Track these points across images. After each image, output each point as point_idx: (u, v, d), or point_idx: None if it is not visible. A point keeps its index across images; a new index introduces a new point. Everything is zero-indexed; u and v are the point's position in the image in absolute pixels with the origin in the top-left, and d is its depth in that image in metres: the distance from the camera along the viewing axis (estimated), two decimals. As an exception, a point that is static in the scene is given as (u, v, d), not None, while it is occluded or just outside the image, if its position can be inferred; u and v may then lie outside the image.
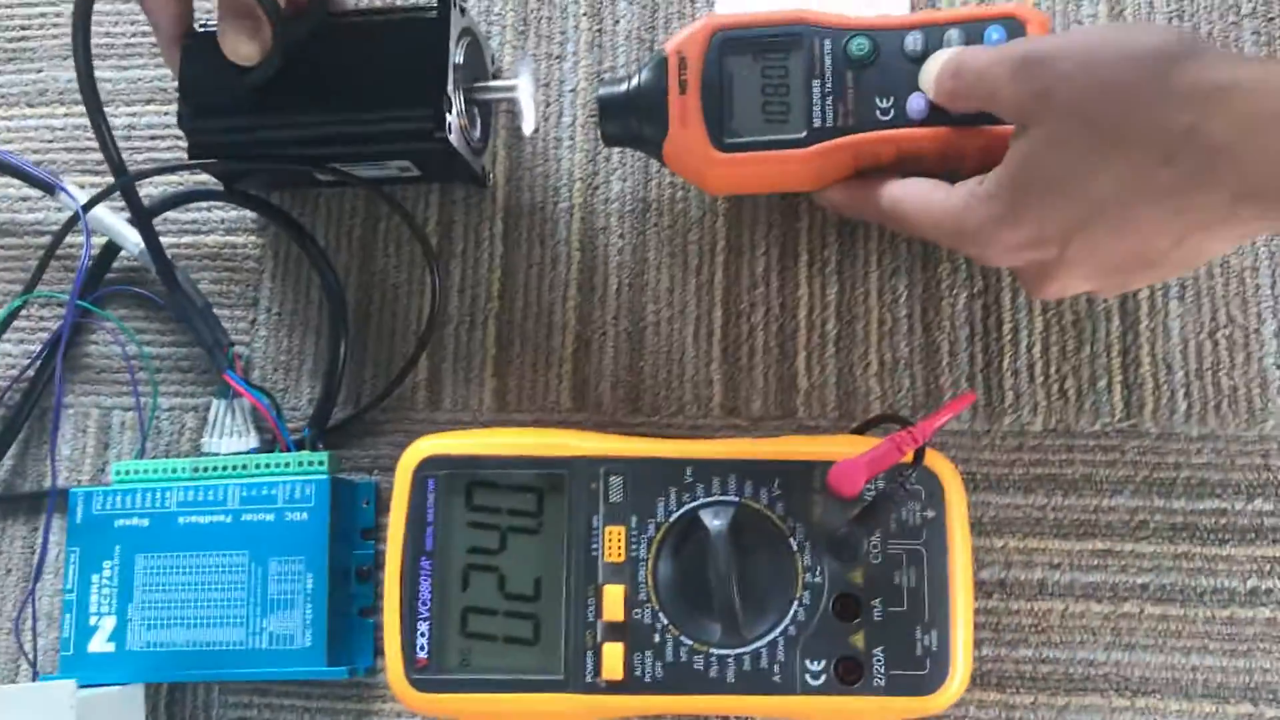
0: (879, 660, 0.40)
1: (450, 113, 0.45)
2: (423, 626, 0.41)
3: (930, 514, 0.40)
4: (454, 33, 0.45)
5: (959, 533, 0.40)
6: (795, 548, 0.40)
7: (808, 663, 0.40)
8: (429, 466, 0.42)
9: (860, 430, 0.44)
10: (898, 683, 0.40)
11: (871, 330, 0.46)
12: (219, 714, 0.47)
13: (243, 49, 0.43)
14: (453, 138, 0.45)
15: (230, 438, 0.48)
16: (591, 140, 0.49)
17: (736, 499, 0.41)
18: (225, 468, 0.46)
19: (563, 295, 0.48)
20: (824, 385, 0.46)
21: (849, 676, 0.40)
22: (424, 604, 0.41)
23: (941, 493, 0.40)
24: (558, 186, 0.49)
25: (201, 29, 0.46)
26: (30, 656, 0.48)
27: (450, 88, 0.45)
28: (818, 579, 0.40)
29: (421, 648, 0.41)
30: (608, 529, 0.41)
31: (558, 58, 0.50)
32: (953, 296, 0.46)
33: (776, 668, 0.40)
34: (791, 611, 0.40)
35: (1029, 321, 0.45)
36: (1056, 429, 0.44)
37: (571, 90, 0.50)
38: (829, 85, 0.42)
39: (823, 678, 0.40)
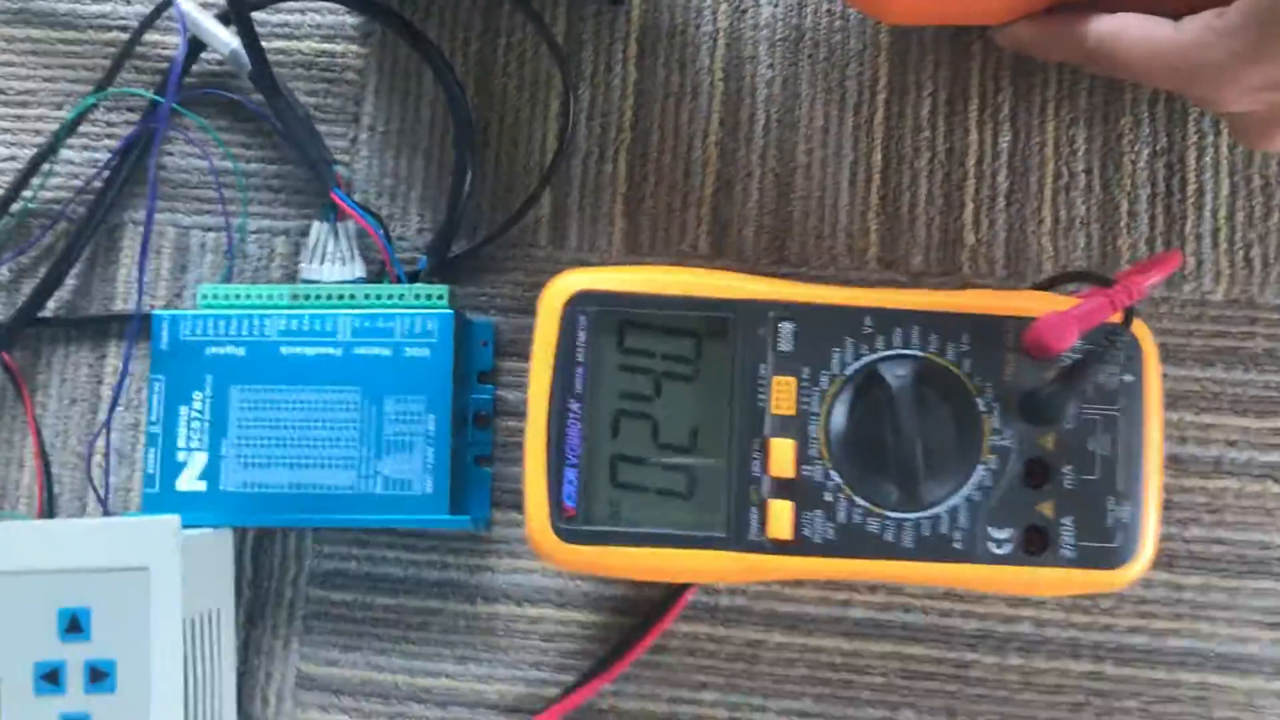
0: (1068, 530, 0.37)
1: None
2: (570, 474, 0.37)
3: (1128, 379, 0.37)
4: None
5: (1155, 400, 0.37)
6: (983, 408, 0.37)
7: (992, 530, 0.37)
8: (580, 302, 0.38)
9: (1045, 286, 0.40)
10: (1086, 555, 0.37)
11: (1046, 184, 0.43)
12: (313, 564, 0.43)
13: None
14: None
15: (333, 264, 0.43)
16: (739, -40, 0.45)
17: (920, 354, 0.37)
18: (329, 296, 0.42)
19: (703, 129, 0.44)
20: (992, 241, 0.43)
21: (1035, 546, 0.37)
22: (572, 450, 0.37)
23: (1140, 356, 0.37)
24: (700, 8, 0.44)
25: None
26: (100, 494, 0.43)
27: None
28: (1006, 442, 0.37)
29: (569, 496, 0.37)
30: (777, 379, 0.38)
31: None
32: (1134, 152, 0.43)
33: (958, 534, 0.37)
34: (976, 476, 0.37)
35: (1214, 184, 0.42)
36: (1239, 300, 0.42)
37: (720, -98, 0.45)
38: (1035, -97, 0.38)
39: (1007, 546, 0.37)
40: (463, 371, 0.42)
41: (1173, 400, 0.41)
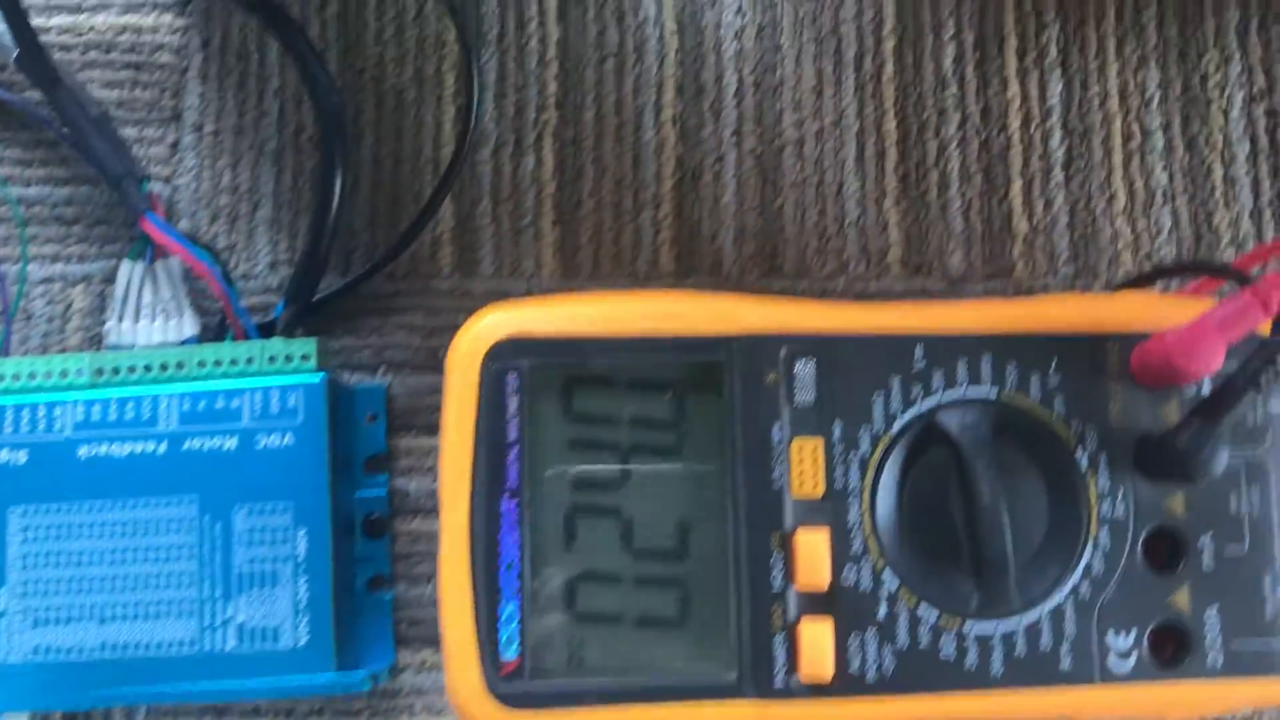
0: (1212, 627, 0.26)
1: None
2: (508, 608, 0.26)
3: (1276, 408, 0.27)
4: None
5: (1311, 433, 0.27)
6: (1085, 464, 0.26)
7: (1110, 636, 0.26)
8: (507, 354, 0.26)
9: (1139, 284, 0.30)
10: (1240, 660, 0.26)
11: (1114, 148, 0.32)
12: (148, 752, 0.30)
13: None
14: None
15: (151, 321, 0.31)
16: (683, -125, 0.33)
17: (993, 392, 0.27)
18: (146, 367, 0.30)
19: (654, 101, 0.32)
20: (1051, 228, 0.32)
21: (1169, 652, 0.26)
22: (509, 571, 0.26)
23: (1291, 374, 0.27)
24: (638, -60, 0.33)
25: None
26: None
27: None
28: (1119, 510, 0.26)
29: (509, 641, 0.26)
30: (797, 444, 0.26)
31: None
32: (1224, 99, 0.32)
33: (1065, 647, 0.26)
34: (1083, 561, 0.26)
35: (1332, 134, 0.32)
36: (1379, 284, 0.32)
37: None
38: None
39: (1133, 657, 0.26)
40: (344, 459, 0.30)
41: (1307, 424, 0.31)
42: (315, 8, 0.33)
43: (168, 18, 0.33)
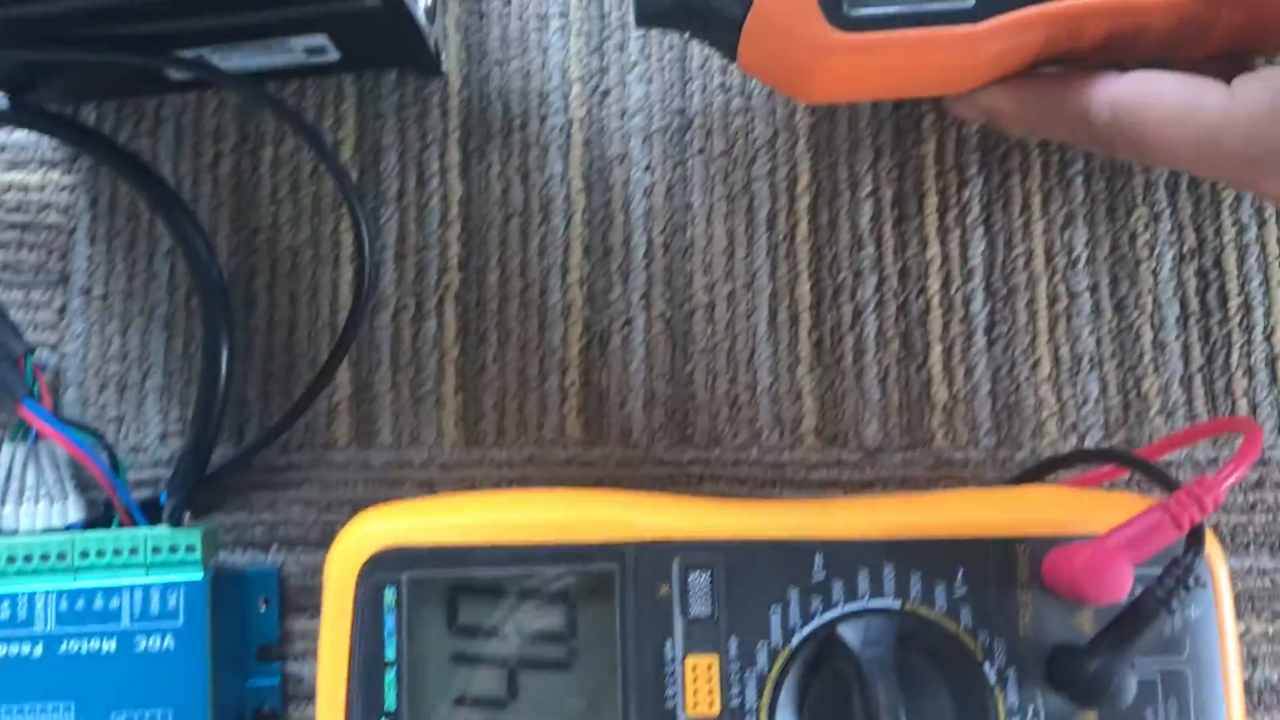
0: None
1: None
2: (385, 840, 0.25)
3: (1194, 614, 0.26)
4: None
5: (1231, 639, 0.26)
6: (993, 678, 0.25)
7: None
8: (386, 566, 0.25)
9: (1036, 474, 0.29)
10: None
11: (1039, 311, 0.31)
12: None
13: None
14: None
15: (32, 505, 0.29)
16: (593, 20, 0.32)
17: (897, 603, 0.25)
18: (27, 558, 0.28)
19: (561, 262, 0.31)
20: (972, 397, 0.31)
21: None
22: (385, 802, 0.25)
23: (1210, 583, 0.26)
24: (545, 90, 0.32)
25: None
26: None
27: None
28: (1030, 726, 0.25)
29: None
30: (691, 661, 0.25)
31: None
32: (1154, 259, 0.31)
33: None
34: (991, 781, 0.25)
35: (1265, 296, 0.31)
36: (1312, 454, 0.30)
37: (561, -59, 0.32)
38: (1008, -72, 0.26)
39: None
40: (231, 650, 0.29)
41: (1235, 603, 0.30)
42: (207, 165, 0.31)
43: (55, 175, 0.32)
